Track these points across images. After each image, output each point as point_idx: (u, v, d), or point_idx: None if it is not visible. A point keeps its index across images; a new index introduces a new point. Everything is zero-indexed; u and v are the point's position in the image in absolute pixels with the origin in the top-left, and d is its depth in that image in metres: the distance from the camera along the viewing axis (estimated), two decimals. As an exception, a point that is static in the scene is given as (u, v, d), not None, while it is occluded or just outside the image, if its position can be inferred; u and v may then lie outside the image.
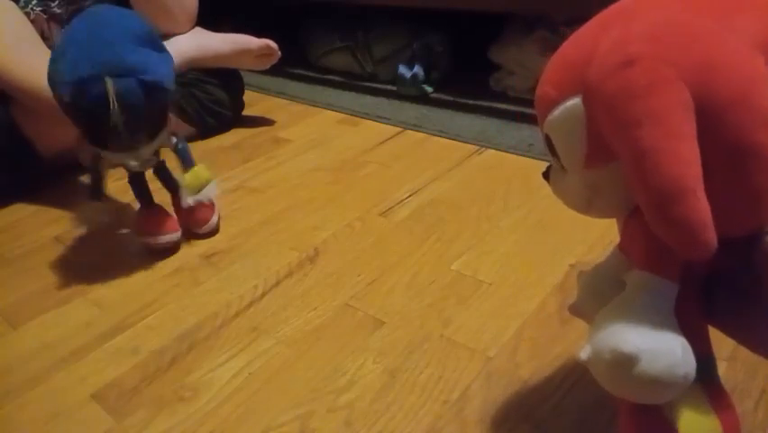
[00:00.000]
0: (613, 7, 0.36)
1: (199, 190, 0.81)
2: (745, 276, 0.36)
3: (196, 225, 0.84)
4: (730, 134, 0.31)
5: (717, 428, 0.36)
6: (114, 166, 0.80)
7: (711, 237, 0.31)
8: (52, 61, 0.68)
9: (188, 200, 0.80)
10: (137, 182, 0.80)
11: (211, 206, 0.85)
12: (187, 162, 0.81)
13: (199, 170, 0.82)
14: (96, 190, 0.81)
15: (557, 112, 0.36)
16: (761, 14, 0.32)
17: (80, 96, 0.65)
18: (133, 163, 0.75)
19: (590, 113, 0.34)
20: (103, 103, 0.64)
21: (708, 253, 0.31)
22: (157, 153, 0.79)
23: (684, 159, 0.31)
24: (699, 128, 0.31)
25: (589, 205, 0.39)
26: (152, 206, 0.81)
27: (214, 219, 0.85)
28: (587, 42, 0.36)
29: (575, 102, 0.35)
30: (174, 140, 0.79)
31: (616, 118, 0.32)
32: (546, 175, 0.43)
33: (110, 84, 0.64)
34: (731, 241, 0.34)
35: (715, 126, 0.31)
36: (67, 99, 0.65)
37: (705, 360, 0.37)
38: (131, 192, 1.00)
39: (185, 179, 0.81)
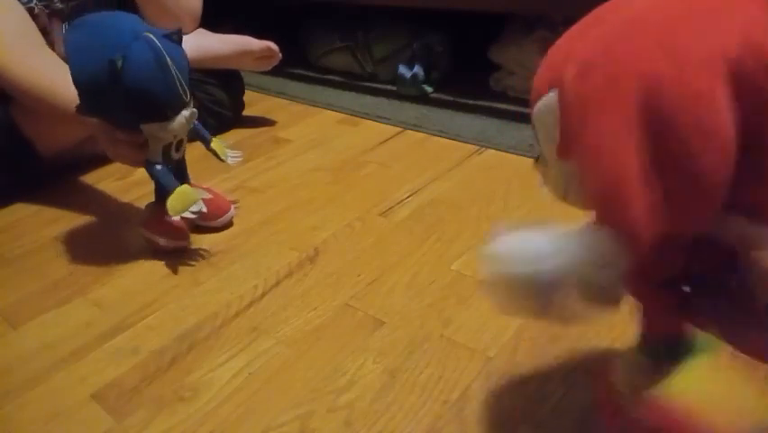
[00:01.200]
0: (604, 5, 0.37)
1: (184, 211, 0.74)
2: (731, 280, 0.36)
3: (212, 217, 0.84)
4: (676, 150, 0.31)
5: None
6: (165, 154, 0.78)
7: (645, 238, 0.32)
8: (84, 54, 0.70)
9: (174, 217, 0.75)
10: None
11: (225, 199, 0.86)
12: (206, 135, 0.84)
13: (184, 191, 0.75)
14: (172, 181, 0.76)
15: (540, 103, 0.38)
16: (734, 22, 0.31)
17: (134, 55, 0.67)
18: (184, 125, 0.74)
19: (561, 107, 0.36)
20: (156, 55, 0.68)
21: (640, 251, 0.33)
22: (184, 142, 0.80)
23: (625, 165, 0.32)
24: (649, 137, 0.31)
25: (565, 193, 0.41)
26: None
27: (231, 211, 0.86)
28: (569, 40, 0.37)
29: (552, 95, 0.37)
30: (195, 122, 0.80)
31: (571, 121, 0.34)
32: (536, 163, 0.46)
33: (153, 36, 0.68)
34: (716, 245, 0.34)
35: (662, 140, 0.31)
36: (121, 63, 0.66)
37: (675, 344, 0.39)
38: (131, 192, 1.00)
39: (168, 200, 0.74)
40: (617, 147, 0.32)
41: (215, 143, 0.85)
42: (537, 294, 0.34)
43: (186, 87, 0.72)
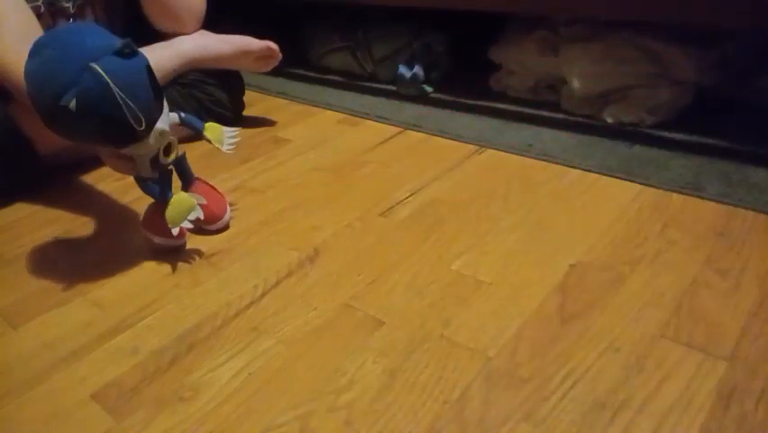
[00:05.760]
0: None
1: (182, 221, 0.76)
2: None
3: (206, 223, 0.83)
4: None
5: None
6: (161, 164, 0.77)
7: None
8: (39, 89, 0.69)
9: (173, 230, 0.76)
10: (164, 180, 0.78)
11: (223, 201, 0.86)
12: (197, 125, 0.83)
13: (180, 201, 0.76)
14: (165, 193, 0.77)
15: None
16: None
17: (84, 91, 0.65)
18: (167, 135, 0.74)
19: None
20: (102, 88, 0.65)
21: None
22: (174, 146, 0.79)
23: None
24: None
25: None
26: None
27: (226, 217, 0.86)
28: None
29: None
30: (181, 114, 0.80)
31: None
32: None
33: (98, 67, 0.65)
34: None
35: None
36: (73, 105, 0.65)
37: None
38: (131, 192, 1.00)
39: (166, 213, 0.75)
40: None
41: (209, 130, 0.84)
42: None
43: (137, 112, 0.67)
